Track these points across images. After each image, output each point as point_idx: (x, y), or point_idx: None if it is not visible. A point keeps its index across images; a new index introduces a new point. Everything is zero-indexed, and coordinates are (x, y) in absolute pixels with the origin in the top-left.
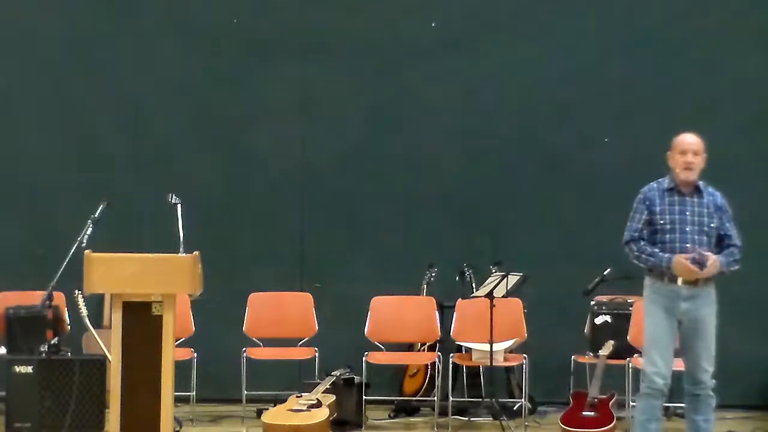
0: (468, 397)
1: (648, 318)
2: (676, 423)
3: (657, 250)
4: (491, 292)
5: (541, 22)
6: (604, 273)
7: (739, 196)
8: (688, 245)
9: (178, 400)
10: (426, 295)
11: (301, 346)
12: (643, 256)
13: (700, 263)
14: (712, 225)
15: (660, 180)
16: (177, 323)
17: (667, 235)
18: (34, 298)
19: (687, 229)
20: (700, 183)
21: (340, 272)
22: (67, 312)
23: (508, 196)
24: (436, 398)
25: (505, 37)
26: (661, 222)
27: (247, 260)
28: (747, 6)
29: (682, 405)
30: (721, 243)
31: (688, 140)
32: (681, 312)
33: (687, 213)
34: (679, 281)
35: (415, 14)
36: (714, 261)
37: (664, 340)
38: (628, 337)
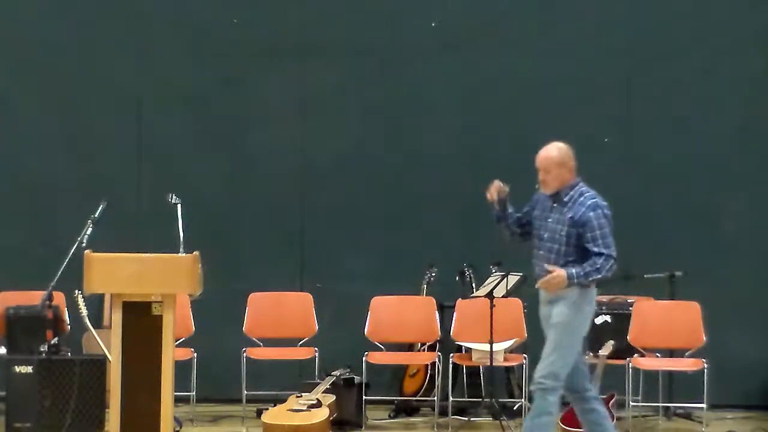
0: (468, 397)
1: None
2: (676, 423)
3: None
4: (491, 292)
5: (541, 23)
6: None
7: (738, 196)
8: (542, 252)
9: (178, 400)
10: (426, 295)
11: (301, 346)
12: None
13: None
14: (562, 233)
15: None
16: (177, 323)
17: (535, 241)
18: (34, 298)
19: (545, 236)
20: (573, 191)
21: (340, 272)
22: (67, 312)
23: (508, 195)
24: (436, 398)
25: (505, 37)
26: (535, 229)
27: (247, 260)
28: (747, 6)
29: (683, 405)
30: (585, 255)
31: (538, 157)
32: (545, 315)
33: (549, 220)
34: (537, 285)
35: (415, 14)
36: (555, 275)
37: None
38: (628, 337)
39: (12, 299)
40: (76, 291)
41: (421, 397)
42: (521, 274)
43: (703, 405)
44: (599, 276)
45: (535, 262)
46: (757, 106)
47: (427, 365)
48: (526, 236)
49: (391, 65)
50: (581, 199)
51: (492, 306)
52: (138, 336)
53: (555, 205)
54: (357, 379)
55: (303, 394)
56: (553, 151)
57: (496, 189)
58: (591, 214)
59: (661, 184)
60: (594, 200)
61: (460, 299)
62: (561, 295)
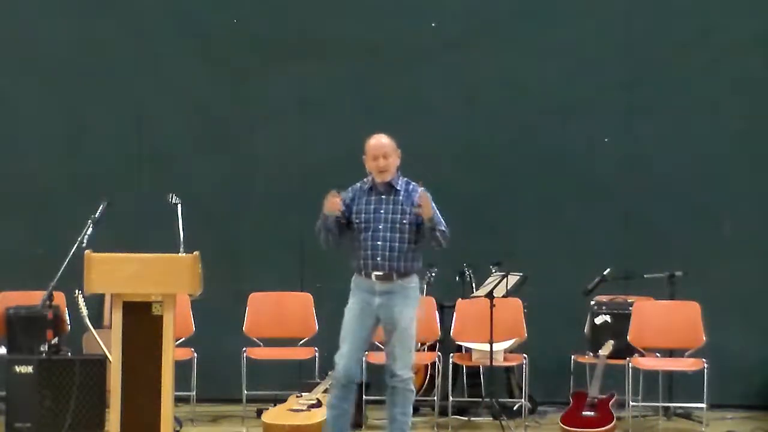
0: (468, 397)
1: (346, 310)
2: (676, 423)
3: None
4: (491, 292)
5: (541, 23)
6: (604, 273)
7: (738, 196)
8: (379, 243)
9: (178, 400)
10: (426, 295)
11: (301, 346)
12: (317, 226)
13: None
14: (404, 222)
15: (365, 180)
16: (177, 323)
17: (362, 234)
18: (34, 298)
19: (380, 226)
20: (400, 180)
21: (340, 272)
22: (67, 312)
23: (508, 196)
24: (436, 398)
25: (505, 37)
26: (357, 221)
27: (247, 260)
28: (747, 6)
29: (683, 405)
30: (419, 246)
31: (376, 144)
32: (376, 306)
33: (381, 211)
34: (373, 276)
35: (415, 14)
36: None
37: (351, 332)
38: (628, 337)
39: (12, 299)
40: (76, 291)
41: (421, 397)
42: (521, 274)
43: (703, 405)
44: (443, 232)
45: (366, 255)
46: (757, 107)
47: (427, 365)
48: (336, 238)
49: (390, 65)
50: (411, 186)
51: (492, 306)
52: (138, 336)
53: (384, 196)
54: None
55: (303, 394)
56: (385, 137)
57: (335, 202)
58: (427, 195)
59: (661, 184)
60: (418, 186)
61: (460, 299)
62: (398, 288)
